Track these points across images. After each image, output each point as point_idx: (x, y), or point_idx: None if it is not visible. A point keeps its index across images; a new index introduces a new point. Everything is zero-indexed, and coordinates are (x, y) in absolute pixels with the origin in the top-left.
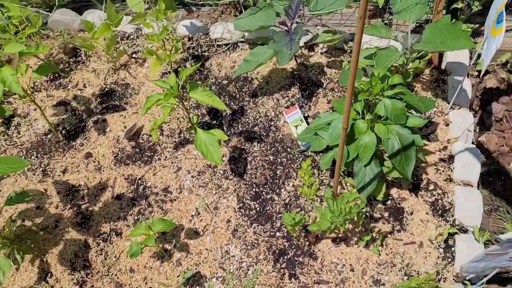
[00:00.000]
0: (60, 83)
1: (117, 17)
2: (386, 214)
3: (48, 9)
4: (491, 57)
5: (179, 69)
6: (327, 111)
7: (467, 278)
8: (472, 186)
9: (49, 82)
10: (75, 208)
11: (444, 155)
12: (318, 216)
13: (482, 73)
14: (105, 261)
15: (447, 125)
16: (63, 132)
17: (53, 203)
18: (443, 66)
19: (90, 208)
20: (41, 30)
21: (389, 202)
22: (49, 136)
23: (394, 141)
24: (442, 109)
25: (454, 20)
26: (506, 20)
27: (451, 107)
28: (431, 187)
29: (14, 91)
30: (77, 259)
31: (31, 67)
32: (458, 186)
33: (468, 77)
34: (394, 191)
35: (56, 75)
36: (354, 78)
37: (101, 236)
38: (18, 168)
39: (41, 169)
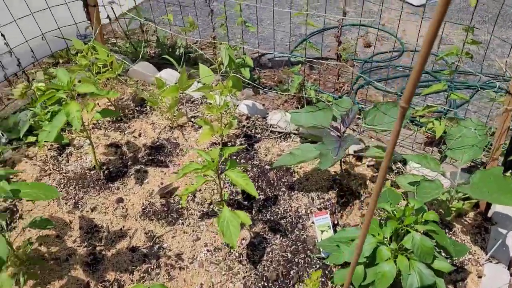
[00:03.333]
0: (120, 126)
1: (187, 83)
2: None
3: (134, 59)
4: None
5: (228, 143)
6: (357, 225)
7: None
8: None
9: (110, 122)
10: (90, 247)
11: None
12: None
13: None
14: None
15: (480, 277)
16: (106, 172)
17: (72, 237)
18: (489, 213)
19: (104, 252)
20: (120, 76)
21: None
22: (92, 172)
23: (414, 279)
24: (478, 258)
25: (510, 172)
26: None
27: (489, 259)
28: None
29: (73, 126)
30: None
31: (99, 106)
32: None
33: None
34: None
35: (119, 118)
36: (369, 223)
37: (103, 283)
38: (50, 196)
39: (74, 200)
